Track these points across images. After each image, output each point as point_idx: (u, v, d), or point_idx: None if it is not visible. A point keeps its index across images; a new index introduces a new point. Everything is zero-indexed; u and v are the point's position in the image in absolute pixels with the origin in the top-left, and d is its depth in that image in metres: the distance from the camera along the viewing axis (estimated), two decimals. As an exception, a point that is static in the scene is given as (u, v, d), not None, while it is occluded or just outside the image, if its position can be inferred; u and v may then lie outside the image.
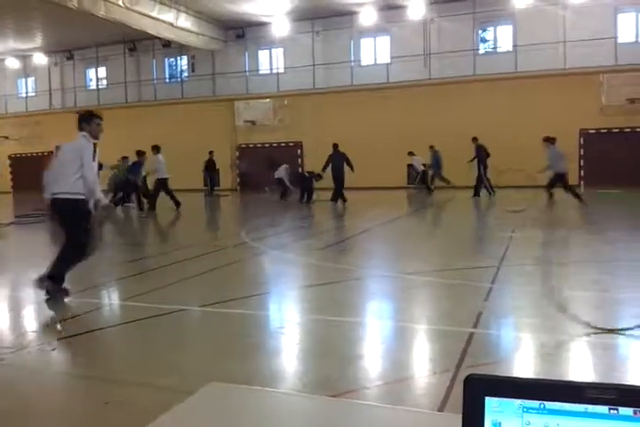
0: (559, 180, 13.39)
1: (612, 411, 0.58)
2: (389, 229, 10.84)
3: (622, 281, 5.67)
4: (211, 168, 21.73)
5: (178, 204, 14.69)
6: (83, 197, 5.07)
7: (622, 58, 19.29)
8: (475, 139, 16.90)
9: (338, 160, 16.10)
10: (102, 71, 27.71)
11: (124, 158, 16.91)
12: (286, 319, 4.74)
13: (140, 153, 15.09)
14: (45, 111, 27.93)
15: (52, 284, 5.14)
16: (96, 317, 4.84)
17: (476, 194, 16.58)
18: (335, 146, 16.38)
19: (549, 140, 13.93)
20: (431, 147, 19.30)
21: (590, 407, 0.59)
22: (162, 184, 14.64)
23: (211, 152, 21.49)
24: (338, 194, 16.17)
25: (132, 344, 4.11)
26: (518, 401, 0.60)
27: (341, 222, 13.01)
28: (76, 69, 27.68)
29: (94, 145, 5.26)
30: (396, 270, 6.60)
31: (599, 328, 3.89)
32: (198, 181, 22.66)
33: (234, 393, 1.07)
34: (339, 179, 16.13)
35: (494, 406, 0.61)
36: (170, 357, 3.72)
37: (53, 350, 3.93)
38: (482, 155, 16.64)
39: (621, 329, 3.86)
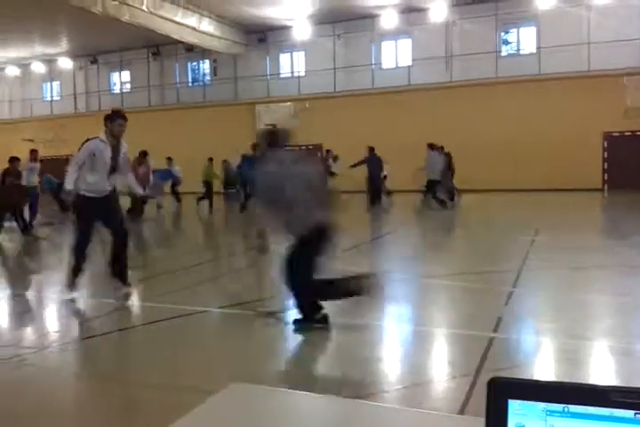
0: (432, 185, 14.22)
1: (637, 415, 0.58)
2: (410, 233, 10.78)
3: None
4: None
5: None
6: (84, 192, 5.34)
7: (647, 60, 19.00)
8: (441, 148, 16.41)
9: (374, 164, 16.10)
10: (126, 75, 28.05)
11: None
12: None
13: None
14: (70, 115, 28.35)
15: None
16: (118, 317, 4.90)
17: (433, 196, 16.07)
18: (372, 149, 16.25)
19: (431, 146, 14.93)
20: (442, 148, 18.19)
21: (615, 411, 0.58)
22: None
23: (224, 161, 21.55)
24: (375, 197, 16.11)
25: (153, 345, 4.14)
26: (542, 404, 0.60)
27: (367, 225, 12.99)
28: (100, 73, 28.06)
29: (115, 145, 5.35)
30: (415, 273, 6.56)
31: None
32: (218, 185, 22.76)
33: (255, 394, 1.07)
34: (375, 182, 16.22)
35: (517, 409, 0.60)
36: (190, 358, 3.74)
37: (75, 350, 3.98)
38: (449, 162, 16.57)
39: None
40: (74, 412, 3.00)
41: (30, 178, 11.70)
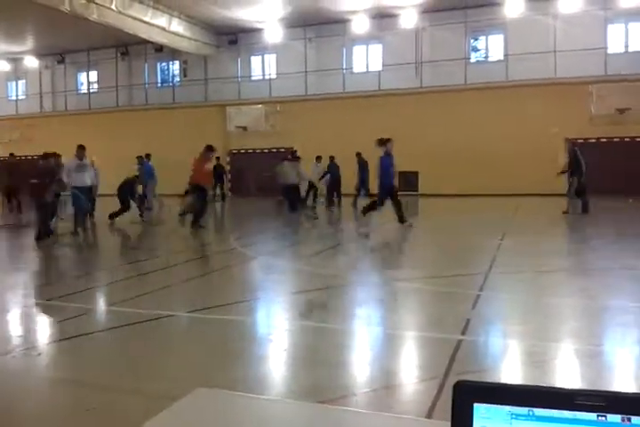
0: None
1: (600, 418, 0.58)
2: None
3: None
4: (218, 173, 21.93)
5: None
6: None
7: (611, 68, 19.48)
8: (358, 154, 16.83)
9: (334, 171, 17.10)
10: (94, 75, 27.62)
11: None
12: (274, 326, 4.72)
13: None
14: (36, 114, 27.78)
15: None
16: (83, 322, 4.80)
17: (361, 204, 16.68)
18: (332, 158, 17.23)
19: (317, 159, 16.68)
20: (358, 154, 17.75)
21: (579, 414, 0.59)
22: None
23: (217, 158, 21.39)
24: (331, 202, 16.78)
25: (119, 350, 4.08)
26: (507, 408, 0.60)
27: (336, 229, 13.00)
28: (67, 73, 27.57)
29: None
30: (385, 277, 6.59)
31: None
32: (183, 186, 22.55)
33: (221, 399, 1.06)
34: (337, 188, 17.05)
35: (483, 413, 0.60)
36: (157, 363, 3.69)
37: (39, 354, 3.89)
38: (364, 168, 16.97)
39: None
40: (38, 417, 2.93)
41: (81, 177, 11.01)
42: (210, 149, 12.24)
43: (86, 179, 11.41)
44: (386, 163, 11.17)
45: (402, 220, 10.98)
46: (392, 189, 11.15)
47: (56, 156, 10.56)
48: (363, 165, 16.54)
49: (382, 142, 11.42)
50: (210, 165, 12.65)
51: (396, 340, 4.20)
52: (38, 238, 9.75)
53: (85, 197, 11.36)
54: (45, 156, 10.30)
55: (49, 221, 10.17)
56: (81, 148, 11.43)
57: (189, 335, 4.47)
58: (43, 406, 3.13)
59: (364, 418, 1.03)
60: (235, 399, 1.07)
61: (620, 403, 0.58)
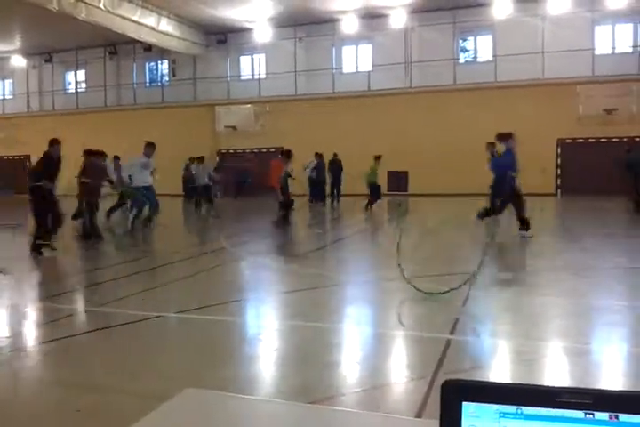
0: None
1: (587, 416, 0.58)
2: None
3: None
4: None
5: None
6: None
7: (599, 69, 19.64)
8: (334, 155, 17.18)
9: (320, 169, 17.13)
10: (81, 74, 27.45)
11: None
12: (264, 326, 4.72)
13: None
14: (23, 114, 27.57)
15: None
16: (72, 323, 4.77)
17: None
18: (319, 155, 17.24)
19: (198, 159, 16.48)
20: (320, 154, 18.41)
21: (566, 412, 0.59)
22: None
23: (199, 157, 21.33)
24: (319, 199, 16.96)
25: (108, 351, 4.05)
26: (495, 406, 0.60)
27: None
28: (54, 72, 27.38)
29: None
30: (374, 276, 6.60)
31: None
32: (178, 187, 22.49)
33: (210, 399, 1.05)
34: (321, 185, 17.11)
35: (471, 412, 0.60)
36: (146, 363, 3.67)
37: (26, 356, 3.86)
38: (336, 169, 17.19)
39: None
40: (27, 419, 2.90)
41: (146, 176, 10.51)
42: (289, 154, 11.99)
43: (149, 177, 10.90)
44: (507, 161, 9.52)
45: (524, 225, 9.20)
46: (514, 191, 9.43)
47: (103, 154, 10.08)
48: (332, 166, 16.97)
49: (504, 137, 9.78)
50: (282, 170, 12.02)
51: (386, 339, 4.21)
52: (85, 237, 9.64)
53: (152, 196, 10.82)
54: (93, 153, 9.76)
55: (96, 222, 9.85)
56: (151, 145, 10.84)
57: (178, 336, 4.45)
58: (31, 407, 3.10)
59: (352, 418, 1.03)
60: (223, 400, 1.07)
61: (607, 401, 0.58)
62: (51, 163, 8.19)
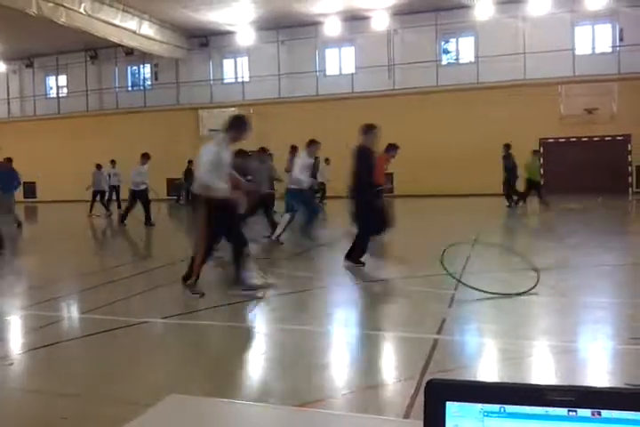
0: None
1: (570, 413, 0.59)
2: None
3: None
4: (190, 178, 21.77)
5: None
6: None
7: (579, 69, 19.85)
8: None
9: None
10: (63, 79, 27.19)
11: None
12: (251, 329, 4.70)
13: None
14: (4, 120, 27.26)
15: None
16: (55, 330, 4.71)
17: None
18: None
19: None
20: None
21: (550, 410, 0.59)
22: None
23: (190, 161, 21.22)
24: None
25: (92, 358, 4.01)
26: (479, 405, 0.60)
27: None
28: (35, 77, 27.11)
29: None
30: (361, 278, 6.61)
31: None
32: (161, 191, 22.36)
33: (194, 405, 1.04)
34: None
35: (455, 411, 0.60)
36: (132, 370, 3.64)
37: (11, 364, 3.81)
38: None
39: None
40: (13, 426, 2.86)
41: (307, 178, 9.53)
42: (395, 147, 10.41)
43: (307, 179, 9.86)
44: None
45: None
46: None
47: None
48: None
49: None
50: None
51: (373, 340, 4.21)
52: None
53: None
54: (251, 153, 8.96)
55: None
56: (316, 142, 10.04)
57: (165, 342, 4.42)
58: (16, 415, 3.06)
59: (341, 420, 1.03)
60: (209, 405, 1.06)
61: (590, 398, 0.59)
62: None
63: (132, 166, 13.21)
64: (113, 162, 18.50)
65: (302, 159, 9.69)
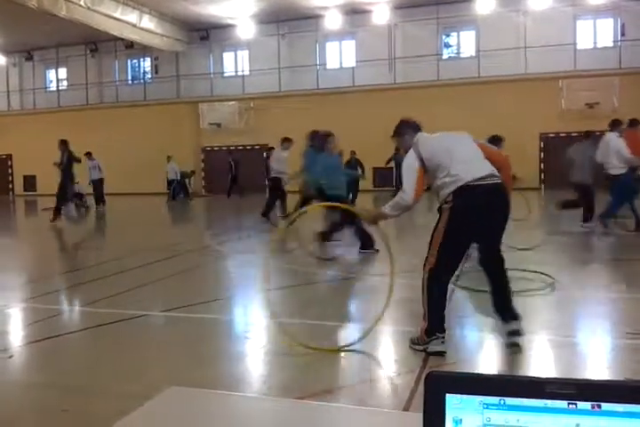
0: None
1: (570, 406, 0.59)
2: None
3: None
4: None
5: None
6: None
7: (581, 64, 19.79)
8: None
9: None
10: (63, 72, 27.11)
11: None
12: (250, 323, 4.70)
13: None
14: (3, 113, 27.20)
15: None
16: (55, 323, 4.72)
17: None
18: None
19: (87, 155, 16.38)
20: None
21: (550, 402, 0.59)
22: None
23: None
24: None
25: (93, 351, 4.02)
26: (479, 398, 0.60)
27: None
28: (35, 70, 27.03)
29: None
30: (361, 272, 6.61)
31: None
32: (161, 185, 22.35)
33: (194, 397, 1.05)
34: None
35: (455, 403, 0.60)
36: (132, 363, 3.65)
37: (10, 357, 3.81)
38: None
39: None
40: (11, 420, 2.87)
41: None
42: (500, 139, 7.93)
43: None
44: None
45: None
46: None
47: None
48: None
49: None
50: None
51: (373, 334, 4.21)
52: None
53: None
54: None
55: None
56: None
57: (164, 335, 4.43)
58: (16, 408, 3.07)
59: (340, 412, 1.03)
60: (208, 397, 1.06)
61: (590, 390, 0.58)
62: None
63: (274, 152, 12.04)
64: (89, 154, 17.19)
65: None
